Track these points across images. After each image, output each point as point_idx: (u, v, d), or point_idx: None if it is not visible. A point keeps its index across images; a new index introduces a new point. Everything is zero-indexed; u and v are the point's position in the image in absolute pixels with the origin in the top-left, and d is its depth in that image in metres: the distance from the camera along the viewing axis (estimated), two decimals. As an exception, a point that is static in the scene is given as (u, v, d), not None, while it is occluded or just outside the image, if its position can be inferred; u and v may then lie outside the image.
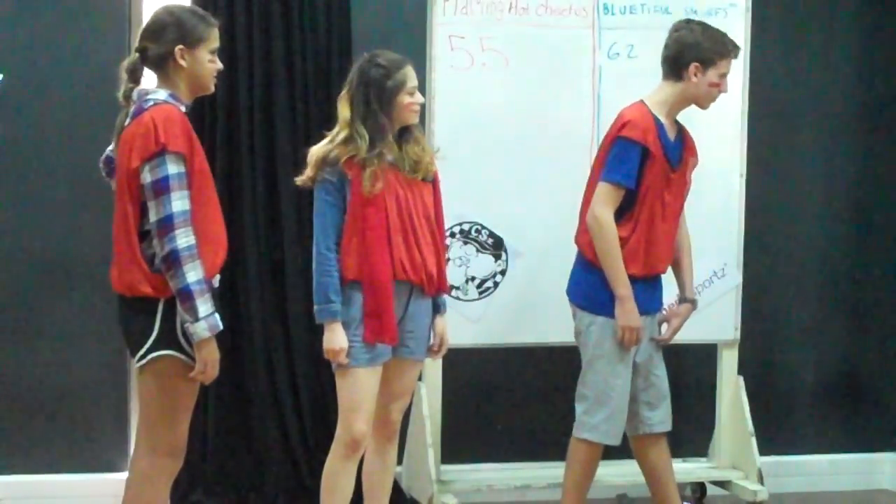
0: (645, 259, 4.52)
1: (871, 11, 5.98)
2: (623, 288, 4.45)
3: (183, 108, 3.78)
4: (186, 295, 3.62)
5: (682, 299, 4.70)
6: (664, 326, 4.72)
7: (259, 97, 5.27)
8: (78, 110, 5.31)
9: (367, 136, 4.18)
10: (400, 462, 5.30)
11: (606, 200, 4.47)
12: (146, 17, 5.32)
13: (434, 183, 4.39)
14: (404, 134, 4.31)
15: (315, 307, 4.24)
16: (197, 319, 3.63)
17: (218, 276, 3.85)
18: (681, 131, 4.61)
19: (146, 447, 3.84)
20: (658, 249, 4.54)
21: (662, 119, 4.51)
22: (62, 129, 5.30)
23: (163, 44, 3.78)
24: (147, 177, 3.64)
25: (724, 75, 4.52)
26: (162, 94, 3.77)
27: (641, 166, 4.45)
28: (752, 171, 5.47)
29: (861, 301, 6.05)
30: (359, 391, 4.23)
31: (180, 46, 3.77)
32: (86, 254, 5.32)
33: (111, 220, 5.28)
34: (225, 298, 5.26)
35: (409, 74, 4.29)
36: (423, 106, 5.04)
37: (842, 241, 6.02)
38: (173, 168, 3.64)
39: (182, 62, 3.77)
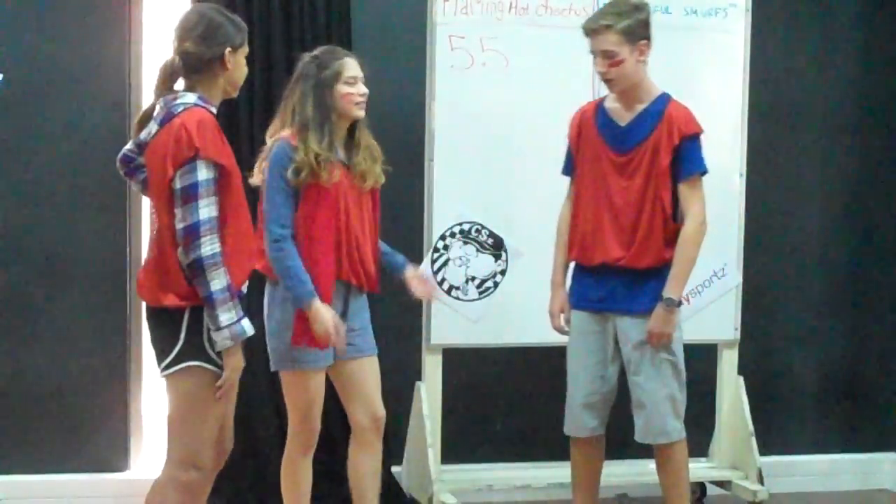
0: (580, 244, 4.53)
1: (870, 11, 5.98)
2: (552, 274, 4.62)
3: (213, 111, 3.72)
4: (210, 303, 3.59)
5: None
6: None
7: (259, 98, 5.26)
8: (77, 110, 5.31)
9: (315, 134, 4.16)
10: (400, 462, 5.32)
11: (566, 192, 4.64)
12: (146, 18, 5.39)
13: (374, 191, 4.38)
14: (354, 140, 4.29)
15: (294, 294, 4.15)
16: (219, 328, 3.61)
17: (246, 283, 3.84)
18: (651, 112, 4.45)
19: (166, 458, 3.79)
20: (597, 237, 4.47)
21: (611, 103, 4.50)
22: (61, 128, 5.30)
23: (215, 46, 3.70)
24: (177, 182, 3.59)
25: (593, 53, 4.43)
26: (191, 98, 3.69)
27: (574, 153, 4.58)
28: (752, 170, 5.48)
29: (861, 301, 6.05)
30: (313, 391, 4.27)
31: (229, 49, 3.72)
32: (86, 253, 5.33)
33: (110, 220, 5.35)
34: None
35: (348, 64, 4.25)
36: (427, 105, 5.10)
37: (841, 240, 6.02)
38: (203, 174, 3.58)
39: (228, 65, 3.72)
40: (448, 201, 5.13)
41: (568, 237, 4.58)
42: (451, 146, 5.12)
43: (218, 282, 3.58)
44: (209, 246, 3.57)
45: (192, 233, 3.57)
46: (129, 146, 3.92)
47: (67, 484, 5.30)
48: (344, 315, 4.27)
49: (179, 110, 3.64)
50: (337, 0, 5.29)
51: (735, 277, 5.40)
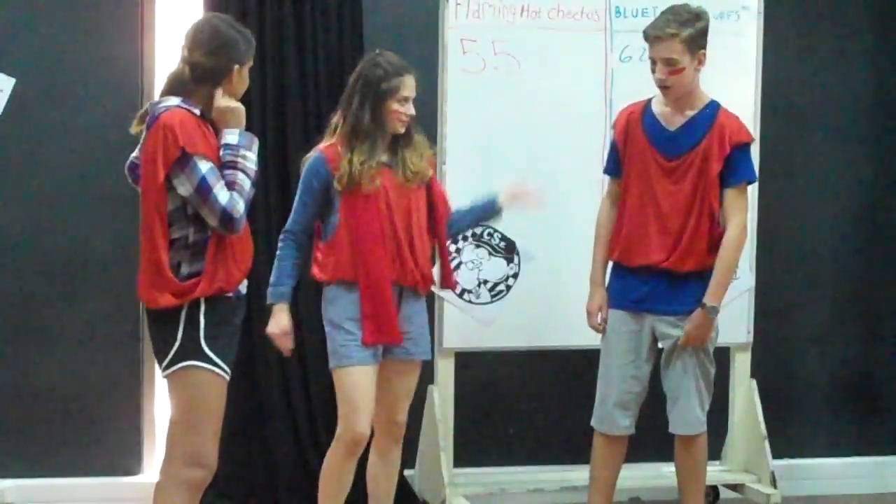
0: (622, 246, 4.55)
1: (883, 13, 5.97)
2: (591, 272, 4.65)
3: (197, 112, 3.75)
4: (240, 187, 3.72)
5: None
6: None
7: (271, 100, 5.27)
8: (90, 114, 5.32)
9: (362, 145, 4.25)
10: (413, 465, 5.32)
11: (606, 191, 4.70)
12: (158, 22, 5.40)
13: (430, 185, 4.44)
14: (402, 139, 4.36)
15: (270, 286, 4.39)
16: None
17: (245, 282, 3.87)
18: (701, 119, 4.51)
19: (166, 456, 3.84)
20: (641, 240, 4.51)
21: (660, 108, 4.53)
22: (74, 133, 5.31)
23: (225, 62, 3.76)
24: (187, 186, 3.64)
25: (652, 60, 4.47)
26: (174, 101, 3.74)
27: (622, 153, 4.58)
28: (765, 173, 5.46)
29: (874, 304, 6.04)
30: (358, 390, 4.29)
31: (237, 66, 3.78)
32: (99, 257, 5.34)
33: (124, 224, 5.35)
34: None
35: (406, 84, 4.31)
36: (439, 109, 5.10)
37: (855, 243, 6.01)
38: (204, 166, 3.64)
39: (234, 80, 3.78)
40: (460, 204, 5.12)
41: (609, 236, 4.61)
42: (462, 149, 5.12)
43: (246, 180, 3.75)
44: (239, 205, 3.67)
45: (227, 219, 3.66)
46: (135, 154, 3.97)
47: (80, 488, 5.31)
48: (397, 319, 4.34)
49: (160, 112, 3.69)
50: (349, 4, 5.30)
51: (748, 280, 5.39)
